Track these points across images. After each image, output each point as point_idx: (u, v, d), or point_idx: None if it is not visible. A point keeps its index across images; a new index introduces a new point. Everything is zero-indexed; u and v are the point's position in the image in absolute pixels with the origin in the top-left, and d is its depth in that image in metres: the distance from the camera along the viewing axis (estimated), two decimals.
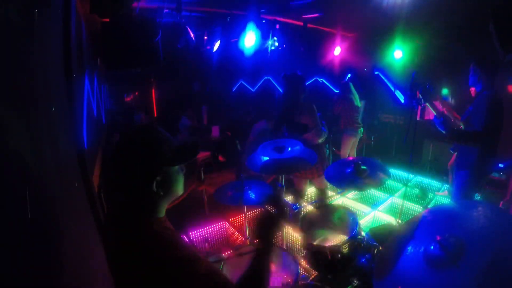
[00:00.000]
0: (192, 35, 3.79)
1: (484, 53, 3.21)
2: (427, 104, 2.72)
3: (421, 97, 2.68)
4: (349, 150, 4.93)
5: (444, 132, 2.65)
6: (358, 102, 4.80)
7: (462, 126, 2.77)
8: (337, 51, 5.66)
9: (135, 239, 0.90)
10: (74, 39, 1.74)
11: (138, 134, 0.99)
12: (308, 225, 1.98)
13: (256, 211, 1.07)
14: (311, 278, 2.06)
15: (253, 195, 2.15)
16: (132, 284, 0.88)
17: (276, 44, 4.96)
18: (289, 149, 2.16)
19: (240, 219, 3.28)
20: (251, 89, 6.94)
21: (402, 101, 6.08)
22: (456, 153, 2.96)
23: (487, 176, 2.90)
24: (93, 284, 1.42)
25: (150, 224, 0.94)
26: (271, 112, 6.51)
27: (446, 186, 3.99)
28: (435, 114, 2.72)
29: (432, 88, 2.74)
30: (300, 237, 2.04)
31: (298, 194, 3.23)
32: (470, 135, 2.55)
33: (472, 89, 2.79)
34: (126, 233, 0.93)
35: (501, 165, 3.74)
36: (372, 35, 5.45)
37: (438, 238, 0.97)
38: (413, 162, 4.08)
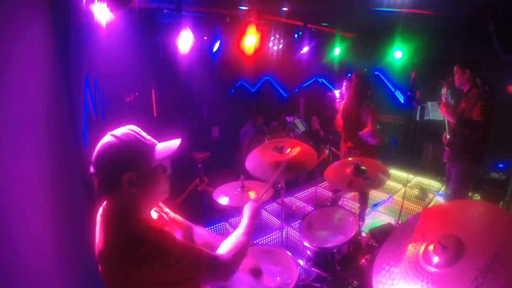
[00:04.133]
0: (192, 35, 3.79)
1: (483, 53, 3.28)
2: (447, 96, 2.96)
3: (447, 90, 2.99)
4: None
5: (453, 120, 2.89)
6: None
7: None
8: (337, 51, 5.66)
9: (112, 238, 0.92)
10: (74, 39, 1.74)
11: (115, 133, 0.97)
12: (309, 226, 1.97)
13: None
14: (311, 278, 2.05)
15: (253, 196, 2.15)
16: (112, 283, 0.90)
17: (277, 44, 4.96)
18: (289, 149, 2.17)
19: (240, 219, 3.28)
20: (251, 89, 6.93)
21: (402, 101, 6.08)
22: (450, 148, 3.10)
23: (482, 167, 3.06)
24: (94, 280, 1.42)
25: (128, 224, 0.94)
26: (271, 112, 6.51)
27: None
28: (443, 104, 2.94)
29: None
30: (299, 237, 2.04)
31: None
32: (474, 122, 2.76)
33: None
34: (106, 232, 0.95)
35: (501, 165, 3.74)
36: (372, 35, 5.45)
37: (438, 238, 0.97)
38: (413, 162, 4.09)
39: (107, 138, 0.96)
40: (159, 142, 1.05)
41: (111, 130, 0.99)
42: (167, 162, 1.04)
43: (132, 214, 0.97)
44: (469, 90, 2.88)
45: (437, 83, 3.06)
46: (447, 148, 3.12)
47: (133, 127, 1.02)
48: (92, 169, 0.95)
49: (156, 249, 0.88)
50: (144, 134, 1.03)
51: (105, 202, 1.04)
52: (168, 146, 1.03)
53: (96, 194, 1.84)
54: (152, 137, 1.06)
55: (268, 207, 3.53)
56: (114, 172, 0.93)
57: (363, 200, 3.34)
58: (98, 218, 1.02)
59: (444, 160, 3.27)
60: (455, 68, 2.95)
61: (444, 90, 3.01)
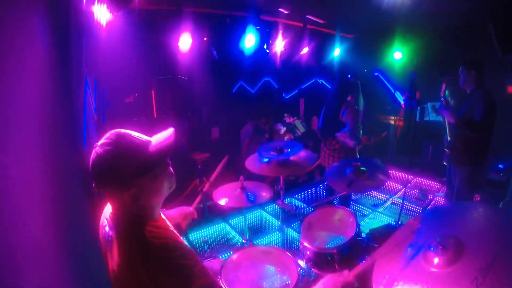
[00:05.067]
0: (192, 36, 3.80)
1: (482, 54, 3.27)
2: (446, 93, 2.92)
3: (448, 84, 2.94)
4: None
5: (452, 120, 2.80)
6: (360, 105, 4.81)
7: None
8: (337, 52, 5.67)
9: (127, 242, 0.89)
10: (74, 40, 1.74)
11: (106, 149, 0.87)
12: (308, 226, 1.97)
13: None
14: (311, 279, 2.05)
15: (253, 196, 2.15)
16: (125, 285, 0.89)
17: (280, 45, 4.97)
18: (288, 150, 2.18)
19: (240, 220, 3.28)
20: (250, 90, 6.93)
21: (402, 101, 6.08)
22: (450, 150, 3.02)
23: (485, 169, 3.05)
24: (94, 282, 1.42)
25: (140, 227, 0.91)
26: (271, 113, 6.51)
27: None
28: (443, 104, 2.88)
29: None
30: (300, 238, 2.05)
31: None
32: (474, 123, 2.69)
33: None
34: (118, 236, 0.92)
35: (501, 166, 3.74)
36: (371, 36, 5.46)
37: (438, 238, 0.97)
38: (413, 162, 4.08)
39: (97, 154, 0.87)
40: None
41: (111, 130, 0.93)
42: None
43: (144, 219, 0.94)
44: (473, 90, 2.80)
45: (437, 78, 2.98)
46: (447, 150, 3.05)
47: (122, 132, 0.91)
48: (94, 185, 0.89)
49: (184, 265, 0.85)
50: (135, 135, 0.93)
51: (111, 208, 1.00)
52: (162, 141, 0.94)
53: (97, 195, 1.84)
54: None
55: (268, 208, 3.53)
56: (115, 191, 0.89)
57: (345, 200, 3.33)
58: (107, 220, 0.99)
59: (444, 163, 3.23)
60: (460, 68, 2.85)
61: (443, 87, 2.96)
